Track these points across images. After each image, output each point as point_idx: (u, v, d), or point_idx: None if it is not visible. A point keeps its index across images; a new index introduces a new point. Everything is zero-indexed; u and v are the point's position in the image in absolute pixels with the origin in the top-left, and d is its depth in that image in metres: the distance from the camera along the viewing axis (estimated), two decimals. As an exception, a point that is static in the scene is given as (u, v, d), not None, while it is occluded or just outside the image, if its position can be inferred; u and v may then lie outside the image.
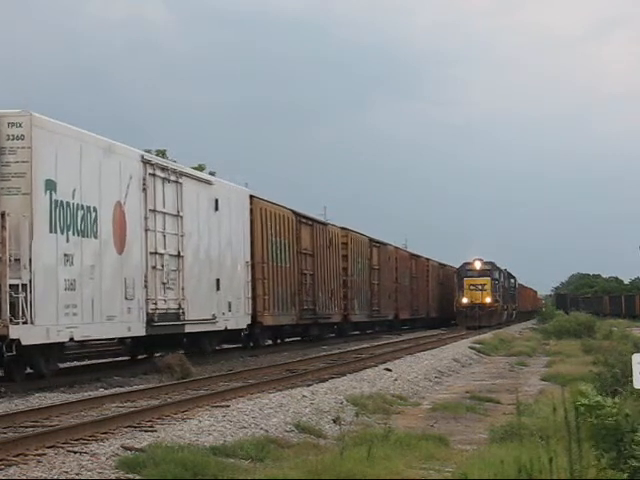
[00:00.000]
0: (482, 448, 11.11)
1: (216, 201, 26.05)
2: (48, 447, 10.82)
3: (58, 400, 15.92)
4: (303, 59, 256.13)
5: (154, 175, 22.14)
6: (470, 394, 18.73)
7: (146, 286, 21.46)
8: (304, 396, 16.08)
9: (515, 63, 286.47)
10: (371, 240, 47.62)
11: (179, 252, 23.41)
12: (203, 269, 25.11)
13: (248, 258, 28.87)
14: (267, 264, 30.64)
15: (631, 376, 9.05)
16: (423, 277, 62.60)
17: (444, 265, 71.11)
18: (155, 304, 21.76)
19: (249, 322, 28.49)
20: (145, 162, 21.77)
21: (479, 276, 61.27)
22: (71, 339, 18.50)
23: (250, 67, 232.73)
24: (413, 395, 19.04)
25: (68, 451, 10.57)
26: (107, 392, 17.47)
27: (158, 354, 24.00)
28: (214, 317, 25.47)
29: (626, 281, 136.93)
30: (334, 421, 13.79)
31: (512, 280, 75.18)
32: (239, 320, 27.66)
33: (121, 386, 18.82)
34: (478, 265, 61.84)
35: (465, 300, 60.59)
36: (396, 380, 20.89)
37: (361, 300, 44.89)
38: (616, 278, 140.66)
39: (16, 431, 12.32)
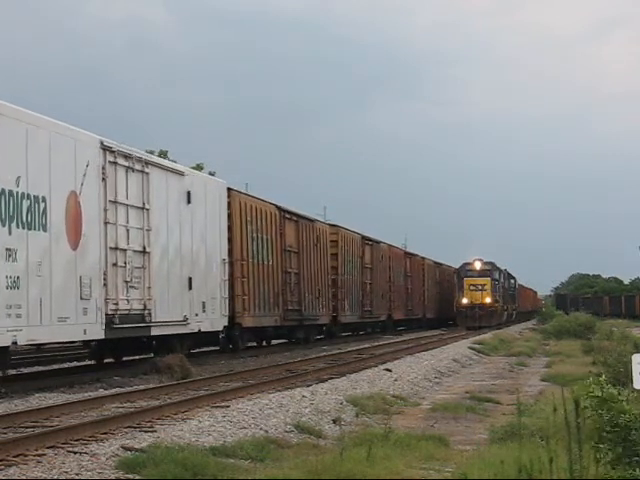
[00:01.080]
0: (482, 448, 11.11)
1: (188, 193, 23.96)
2: (48, 447, 10.81)
3: (58, 400, 15.91)
4: (303, 59, 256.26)
5: (115, 163, 20.07)
6: (470, 394, 18.73)
7: (105, 285, 19.44)
8: (304, 396, 16.09)
9: (515, 63, 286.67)
10: (363, 238, 45.93)
11: (145, 248, 21.35)
12: (173, 267, 23.06)
13: (225, 255, 26.76)
14: (247, 262, 28.84)
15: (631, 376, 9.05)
16: (418, 276, 60.86)
17: (440, 264, 69.61)
18: (116, 304, 19.80)
19: (226, 324, 26.53)
20: (105, 149, 19.66)
21: (479, 276, 61.30)
22: (14, 343, 16.68)
23: (250, 67, 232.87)
24: (413, 395, 19.04)
25: (68, 451, 10.57)
26: (107, 392, 17.46)
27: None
28: (185, 319, 23.41)
29: (626, 281, 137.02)
30: (334, 421, 13.80)
31: (512, 280, 75.21)
32: (215, 322, 25.64)
33: (121, 386, 18.81)
34: (478, 265, 61.86)
35: (465, 300, 60.62)
36: (396, 380, 20.89)
37: (352, 300, 43.15)
38: (616, 278, 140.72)
39: (16, 431, 12.31)
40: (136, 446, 10.72)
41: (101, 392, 17.68)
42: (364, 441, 10.97)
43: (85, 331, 18.87)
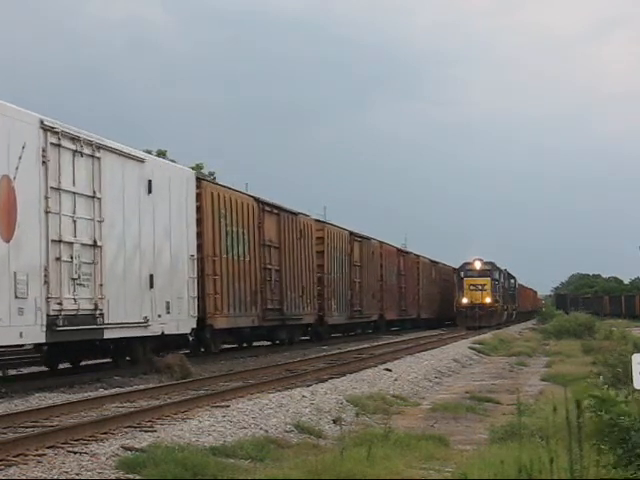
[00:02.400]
0: (482, 448, 11.11)
1: (149, 182, 21.62)
2: (48, 447, 10.81)
3: (58, 400, 15.90)
4: (303, 59, 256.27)
5: (59, 146, 17.96)
6: (470, 394, 18.73)
7: (47, 282, 17.27)
8: (304, 396, 16.08)
9: (515, 63, 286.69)
10: (352, 234, 43.51)
11: (96, 241, 19.12)
12: (131, 263, 20.81)
13: (194, 251, 24.40)
14: (220, 258, 26.65)
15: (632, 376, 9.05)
16: (413, 275, 58.69)
17: (437, 262, 67.95)
18: (60, 304, 17.64)
19: (195, 326, 24.18)
20: (46, 129, 17.56)
21: (479, 276, 61.32)
22: None
23: (250, 67, 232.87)
24: (413, 395, 19.03)
25: (68, 451, 10.57)
26: (107, 392, 17.46)
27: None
28: (146, 320, 21.19)
29: (626, 281, 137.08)
30: (334, 421, 13.80)
31: (512, 280, 75.24)
32: (181, 323, 23.33)
33: (121, 386, 18.81)
34: (478, 265, 61.89)
35: (465, 300, 60.63)
36: (396, 380, 20.89)
37: (340, 300, 40.75)
38: (616, 278, 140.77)
39: (16, 431, 12.31)
40: (136, 446, 10.72)
41: (101, 392, 17.67)
42: (364, 441, 10.97)
43: (21, 334, 16.69)
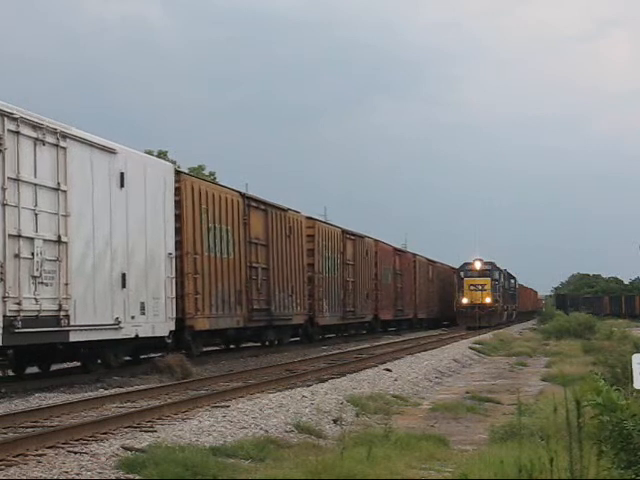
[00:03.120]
0: (482, 448, 11.11)
1: (121, 175, 20.21)
2: (48, 447, 10.81)
3: (58, 400, 15.91)
4: (303, 59, 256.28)
5: (18, 133, 16.71)
6: (470, 394, 18.75)
7: (3, 280, 16.09)
8: (304, 396, 16.09)
9: (515, 63, 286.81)
10: (344, 232, 41.88)
11: (60, 237, 17.71)
12: (100, 261, 19.36)
13: (172, 249, 22.93)
14: (201, 255, 25.13)
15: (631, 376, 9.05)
16: (409, 274, 56.87)
17: (434, 262, 66.46)
18: (19, 304, 16.37)
19: (172, 328, 22.71)
20: (3, 115, 16.36)
21: (479, 276, 61.43)
22: None
23: (250, 67, 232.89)
24: (413, 395, 19.05)
25: (68, 451, 10.57)
26: (107, 392, 17.47)
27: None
28: (118, 322, 19.81)
29: (626, 281, 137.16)
30: (334, 421, 13.81)
31: (512, 280, 75.33)
32: (157, 325, 21.86)
33: (121, 386, 18.81)
34: (478, 265, 62.00)
35: (465, 300, 60.71)
36: (396, 380, 20.91)
37: (332, 299, 39.09)
38: (616, 278, 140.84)
39: (16, 431, 12.31)
40: (136, 446, 10.73)
41: (101, 392, 17.68)
42: (364, 441, 10.98)
43: None
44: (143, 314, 21.13)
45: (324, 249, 38.30)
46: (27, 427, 12.76)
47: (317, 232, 37.35)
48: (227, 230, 27.13)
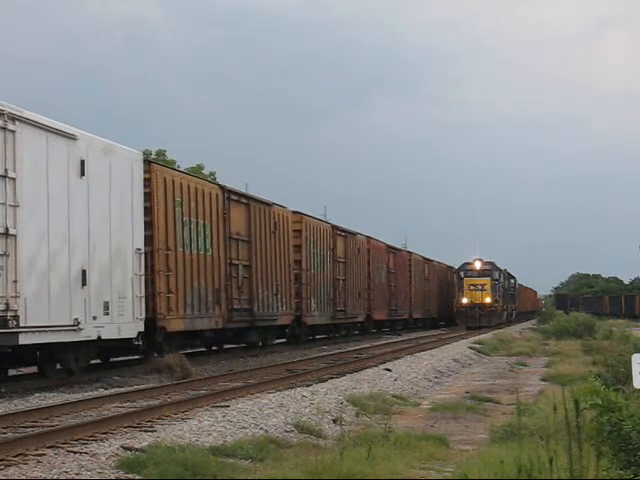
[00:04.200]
0: (482, 448, 11.11)
1: (82, 163, 18.50)
2: (48, 447, 10.82)
3: (58, 400, 15.91)
4: (303, 59, 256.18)
5: None
6: (470, 394, 18.74)
7: None
8: (304, 396, 16.09)
9: (515, 63, 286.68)
10: (334, 228, 40.18)
11: (8, 229, 16.21)
12: (57, 256, 17.65)
13: (141, 243, 21.18)
14: (175, 251, 23.35)
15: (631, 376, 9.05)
16: (404, 273, 55.23)
17: (430, 260, 64.86)
18: None
19: (141, 329, 20.97)
20: None
21: (479, 276, 61.41)
22: None
23: (250, 67, 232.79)
24: (413, 395, 19.04)
25: (68, 451, 10.58)
26: (107, 392, 17.47)
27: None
28: (77, 323, 18.09)
29: (626, 281, 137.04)
30: (334, 421, 13.80)
31: (512, 280, 75.33)
32: (123, 326, 20.13)
33: (121, 386, 18.81)
34: (478, 265, 61.98)
35: (465, 300, 60.68)
36: (396, 380, 20.91)
37: (321, 298, 37.18)
38: (616, 278, 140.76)
39: (16, 431, 12.32)
40: (136, 446, 10.73)
41: (101, 392, 17.68)
42: (364, 441, 10.98)
43: None
44: (107, 314, 19.49)
45: (312, 245, 36.50)
46: (27, 427, 12.76)
47: (305, 227, 35.54)
48: (204, 225, 25.51)
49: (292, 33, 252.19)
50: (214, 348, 28.89)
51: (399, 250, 55.80)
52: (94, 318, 18.88)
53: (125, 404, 15.61)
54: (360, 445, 10.60)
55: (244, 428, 12.63)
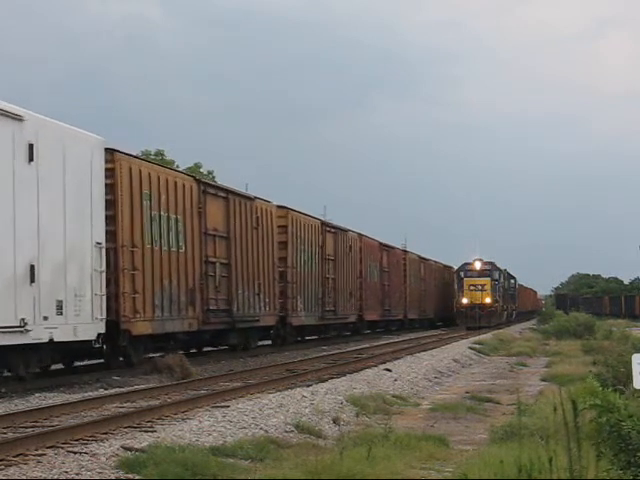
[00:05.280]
0: (482, 448, 11.11)
1: (30, 147, 16.67)
2: (48, 447, 10.82)
3: (58, 400, 15.92)
4: (303, 59, 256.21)
5: None
6: (470, 394, 18.74)
7: None
8: (304, 396, 16.09)
9: (515, 63, 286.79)
10: (324, 224, 38.33)
11: None
12: (0, 249, 16.00)
13: (102, 237, 19.39)
14: (142, 248, 21.52)
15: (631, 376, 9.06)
16: (398, 272, 53.37)
17: (427, 259, 63.40)
18: None
19: (101, 330, 19.19)
20: None
21: (479, 276, 61.40)
22: None
23: (250, 67, 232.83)
24: (413, 395, 19.05)
25: (68, 451, 10.58)
26: (107, 392, 17.47)
27: None
28: (24, 324, 16.37)
29: (626, 281, 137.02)
30: (334, 421, 13.81)
31: (512, 280, 75.33)
32: (80, 327, 18.33)
33: (121, 386, 18.82)
34: (478, 265, 61.97)
35: (465, 300, 60.67)
36: (396, 380, 20.91)
37: (308, 298, 35.18)
38: (616, 278, 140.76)
39: (16, 431, 12.32)
40: (136, 446, 10.73)
41: (101, 392, 17.68)
42: (364, 441, 10.99)
43: None
44: (60, 314, 17.66)
45: (299, 242, 34.43)
46: (27, 427, 12.76)
47: (291, 222, 33.50)
48: (177, 220, 23.52)
49: (292, 33, 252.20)
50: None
51: (393, 248, 53.36)
52: (45, 318, 17.13)
53: (125, 404, 15.61)
54: (360, 445, 10.61)
55: (244, 428, 12.63)
